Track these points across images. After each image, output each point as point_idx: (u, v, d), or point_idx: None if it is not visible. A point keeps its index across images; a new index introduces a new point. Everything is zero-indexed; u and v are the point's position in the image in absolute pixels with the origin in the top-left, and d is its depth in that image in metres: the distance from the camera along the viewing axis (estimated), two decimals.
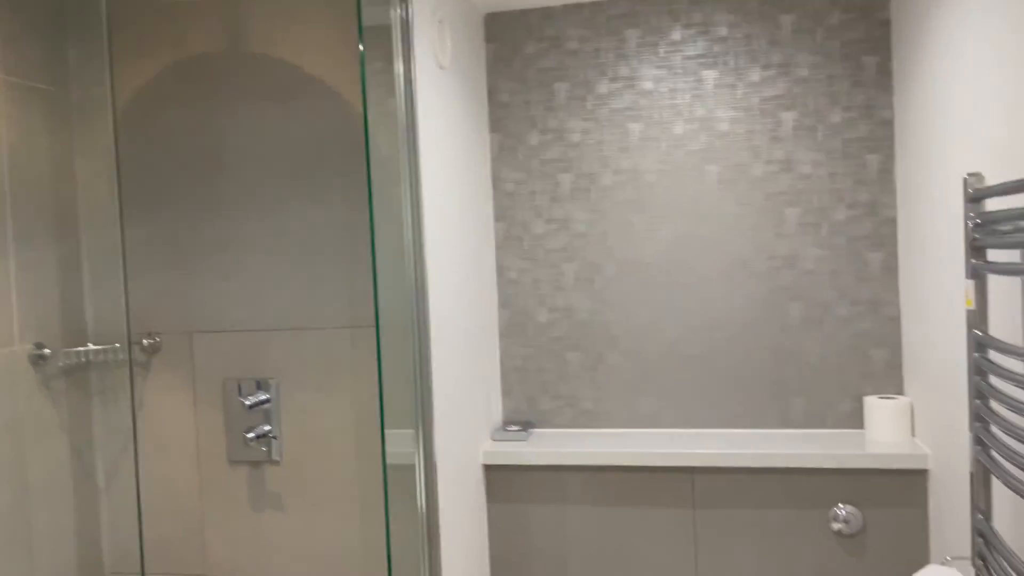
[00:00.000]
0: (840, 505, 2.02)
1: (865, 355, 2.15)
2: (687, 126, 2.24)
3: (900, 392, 2.13)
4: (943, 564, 1.61)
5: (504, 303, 2.36)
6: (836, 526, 2.01)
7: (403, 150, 1.78)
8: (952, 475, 1.73)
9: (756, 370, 2.21)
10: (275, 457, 1.89)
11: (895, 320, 2.13)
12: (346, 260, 1.85)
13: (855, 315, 2.15)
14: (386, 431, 1.74)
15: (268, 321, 1.88)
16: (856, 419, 2.15)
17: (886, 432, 2.04)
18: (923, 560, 1.98)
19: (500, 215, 2.35)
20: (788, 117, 2.18)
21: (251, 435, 1.84)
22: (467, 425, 2.06)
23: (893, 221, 2.13)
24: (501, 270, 2.36)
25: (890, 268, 2.13)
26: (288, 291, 1.88)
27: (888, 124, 2.12)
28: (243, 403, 1.85)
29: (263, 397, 1.88)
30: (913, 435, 2.05)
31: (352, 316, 1.84)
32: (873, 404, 2.06)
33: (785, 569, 2.07)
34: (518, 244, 2.34)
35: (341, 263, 1.85)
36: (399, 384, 1.80)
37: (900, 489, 1.99)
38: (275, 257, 1.88)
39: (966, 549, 1.62)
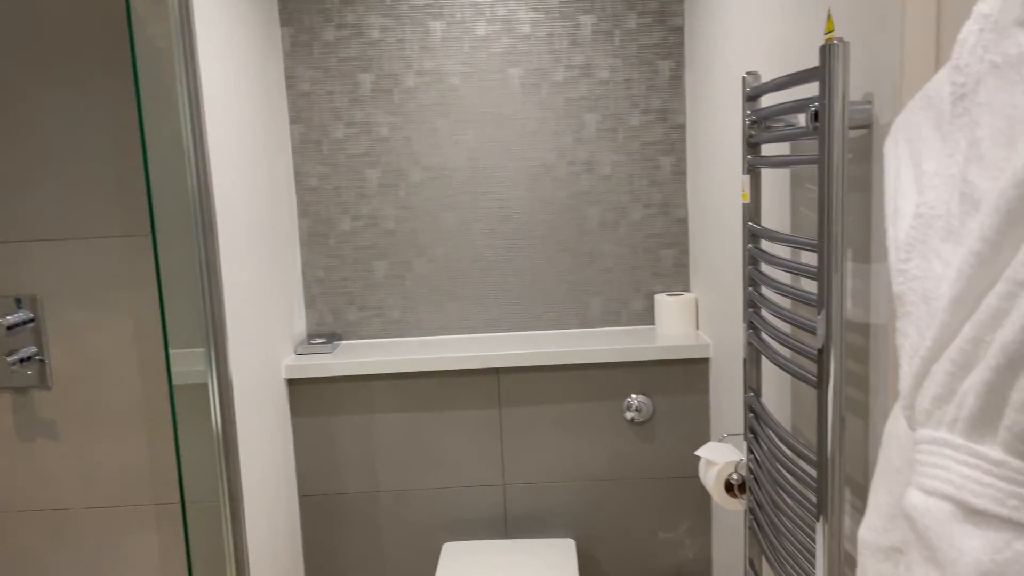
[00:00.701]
0: (633, 395, 2.15)
1: (656, 256, 2.27)
2: (489, 27, 2.19)
3: (687, 289, 2.28)
4: (720, 441, 1.77)
5: (304, 211, 2.24)
6: (629, 415, 2.15)
7: (177, 40, 1.59)
8: (729, 361, 1.89)
9: (558, 273, 2.27)
10: (45, 381, 1.70)
11: (683, 222, 2.25)
12: (115, 161, 1.66)
13: (647, 218, 2.25)
14: (172, 349, 1.62)
15: (24, 231, 1.66)
16: (648, 316, 2.28)
17: (674, 326, 2.18)
18: (705, 439, 2.17)
19: (296, 117, 2.21)
20: (587, 21, 2.19)
21: (13, 359, 1.64)
22: (267, 339, 1.97)
23: (682, 127, 2.22)
24: (299, 176, 2.23)
25: (679, 172, 2.24)
26: (47, 197, 1.66)
27: (679, 31, 2.19)
28: (0, 324, 1.64)
29: (25, 316, 1.67)
30: (697, 328, 2.21)
31: (125, 224, 1.67)
32: (662, 301, 2.19)
33: (583, 457, 2.19)
34: (316, 148, 2.22)
35: (109, 165, 1.66)
36: (185, 298, 1.66)
37: (685, 377, 2.15)
38: (29, 158, 1.65)
39: (740, 426, 1.78)
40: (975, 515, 0.53)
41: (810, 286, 1.25)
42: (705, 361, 2.13)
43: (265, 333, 1.96)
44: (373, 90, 2.20)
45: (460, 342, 2.23)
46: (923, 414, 0.59)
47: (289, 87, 2.19)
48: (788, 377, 1.42)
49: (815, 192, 1.26)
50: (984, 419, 0.53)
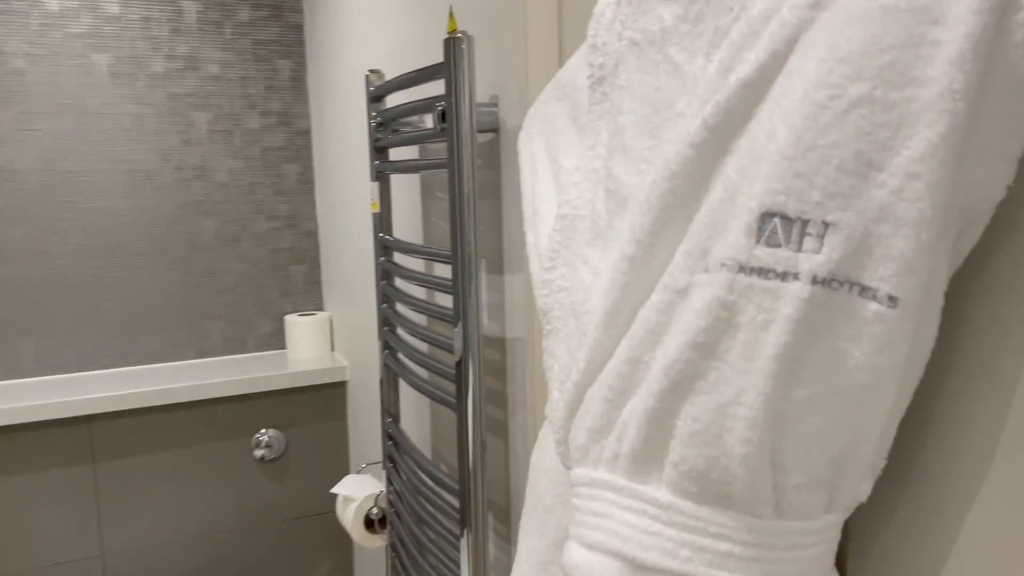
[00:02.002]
0: (263, 430, 1.92)
1: (285, 272, 2.06)
2: (65, 2, 1.80)
3: (320, 308, 2.11)
4: (359, 472, 1.63)
5: None
6: (259, 452, 1.91)
7: None
8: (367, 384, 1.76)
9: (167, 296, 1.95)
10: None
11: (313, 235, 2.08)
12: None
13: (273, 231, 2.04)
14: None
15: None
16: (278, 339, 2.07)
17: (307, 349, 2.00)
18: (345, 471, 2.02)
19: None
20: (190, 7, 1.91)
21: None
22: None
23: (308, 132, 2.05)
24: None
25: (306, 181, 2.06)
26: None
27: (298, 29, 2.02)
28: None
29: None
30: (333, 349, 2.05)
31: None
32: (293, 322, 2.00)
33: (205, 509, 1.89)
34: None
35: None
36: None
37: (321, 405, 1.97)
38: None
39: (380, 454, 1.66)
40: (645, 572, 0.45)
41: (445, 301, 1.16)
42: (342, 385, 1.98)
43: None
44: None
45: (37, 386, 1.79)
46: (579, 450, 0.50)
47: None
48: (427, 400, 1.33)
49: (446, 200, 1.18)
50: (648, 454, 0.45)
